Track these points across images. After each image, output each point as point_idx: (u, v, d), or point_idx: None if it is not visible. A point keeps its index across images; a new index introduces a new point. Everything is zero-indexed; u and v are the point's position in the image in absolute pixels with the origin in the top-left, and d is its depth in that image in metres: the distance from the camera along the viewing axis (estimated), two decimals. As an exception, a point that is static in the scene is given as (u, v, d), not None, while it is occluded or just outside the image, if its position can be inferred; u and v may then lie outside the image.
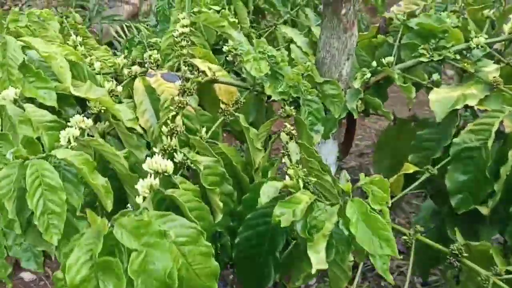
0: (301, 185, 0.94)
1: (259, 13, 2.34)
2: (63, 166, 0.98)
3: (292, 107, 1.24)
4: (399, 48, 1.50)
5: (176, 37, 1.63)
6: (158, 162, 0.92)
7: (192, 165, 1.02)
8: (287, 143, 1.10)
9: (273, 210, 0.90)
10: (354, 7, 1.41)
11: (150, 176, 0.91)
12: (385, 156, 1.65)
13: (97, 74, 1.31)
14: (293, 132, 1.13)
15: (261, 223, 1.02)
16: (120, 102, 1.24)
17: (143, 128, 1.24)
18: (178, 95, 1.18)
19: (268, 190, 0.90)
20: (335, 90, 1.33)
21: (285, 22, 2.18)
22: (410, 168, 1.23)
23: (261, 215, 1.01)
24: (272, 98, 1.32)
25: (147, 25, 3.62)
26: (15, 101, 1.10)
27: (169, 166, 0.92)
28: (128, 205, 1.17)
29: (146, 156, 1.16)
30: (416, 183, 1.25)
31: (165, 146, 1.00)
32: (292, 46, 2.07)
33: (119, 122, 1.15)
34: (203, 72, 1.43)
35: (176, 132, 1.05)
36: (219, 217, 1.02)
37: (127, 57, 1.83)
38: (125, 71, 1.33)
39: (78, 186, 0.95)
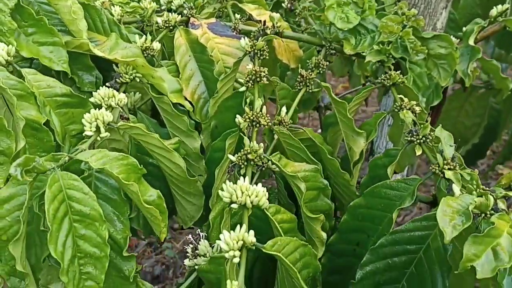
0: (491, 202, 0.60)
1: None
2: (94, 174, 0.63)
3: (398, 72, 0.89)
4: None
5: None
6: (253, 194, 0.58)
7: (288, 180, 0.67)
8: (415, 125, 0.75)
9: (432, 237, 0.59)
10: None
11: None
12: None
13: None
14: (417, 109, 0.79)
15: (400, 251, 0.67)
16: (158, 64, 0.86)
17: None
18: (249, 59, 0.82)
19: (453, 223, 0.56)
20: (445, 49, 0.96)
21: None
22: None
23: (401, 241, 0.66)
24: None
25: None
26: (7, 64, 0.72)
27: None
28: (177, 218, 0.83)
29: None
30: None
31: (247, 152, 0.64)
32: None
33: (163, 98, 0.78)
34: (260, 22, 1.06)
35: (259, 125, 0.68)
36: (321, 252, 0.69)
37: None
38: (157, 19, 0.95)
39: (122, 209, 0.60)
